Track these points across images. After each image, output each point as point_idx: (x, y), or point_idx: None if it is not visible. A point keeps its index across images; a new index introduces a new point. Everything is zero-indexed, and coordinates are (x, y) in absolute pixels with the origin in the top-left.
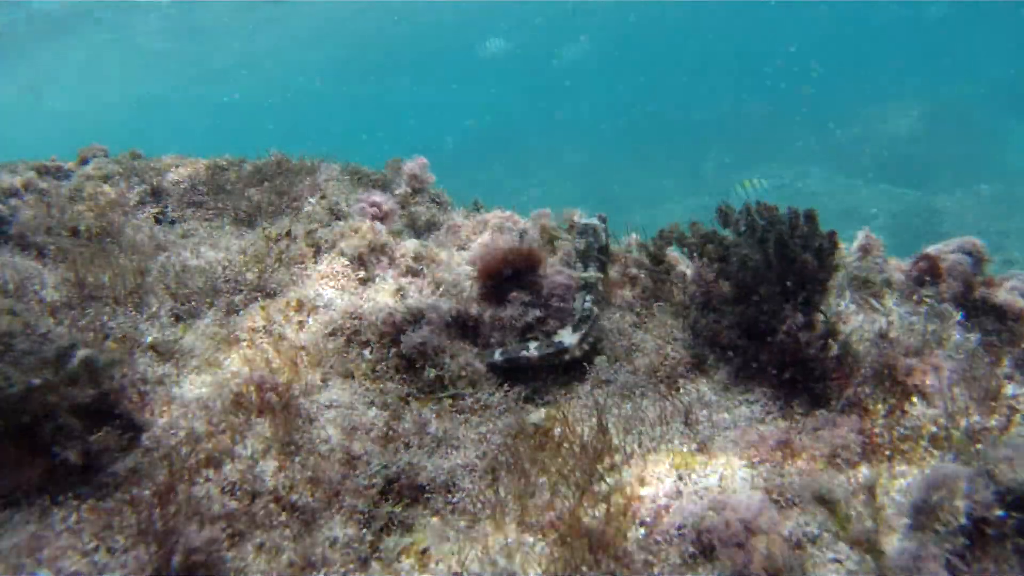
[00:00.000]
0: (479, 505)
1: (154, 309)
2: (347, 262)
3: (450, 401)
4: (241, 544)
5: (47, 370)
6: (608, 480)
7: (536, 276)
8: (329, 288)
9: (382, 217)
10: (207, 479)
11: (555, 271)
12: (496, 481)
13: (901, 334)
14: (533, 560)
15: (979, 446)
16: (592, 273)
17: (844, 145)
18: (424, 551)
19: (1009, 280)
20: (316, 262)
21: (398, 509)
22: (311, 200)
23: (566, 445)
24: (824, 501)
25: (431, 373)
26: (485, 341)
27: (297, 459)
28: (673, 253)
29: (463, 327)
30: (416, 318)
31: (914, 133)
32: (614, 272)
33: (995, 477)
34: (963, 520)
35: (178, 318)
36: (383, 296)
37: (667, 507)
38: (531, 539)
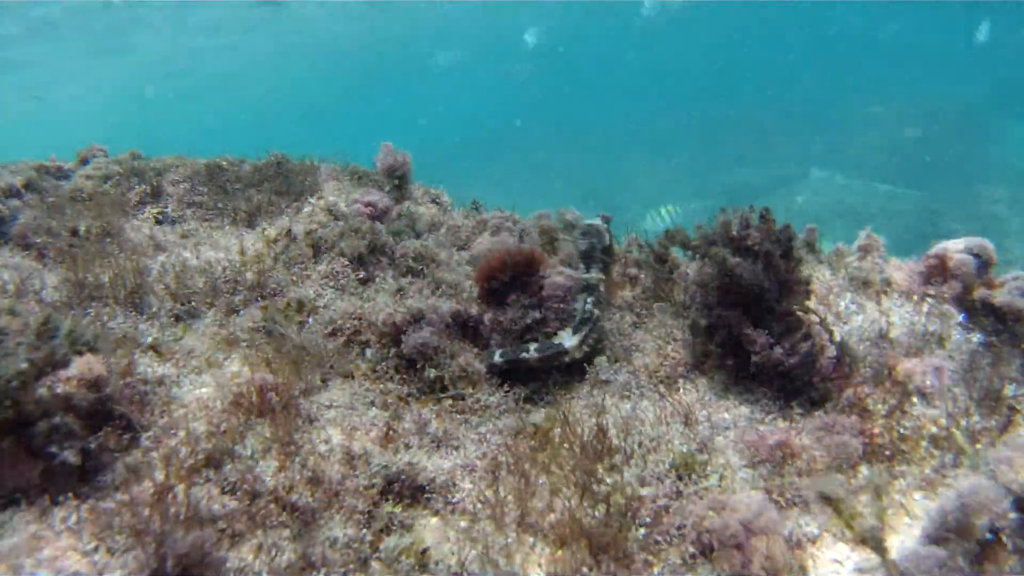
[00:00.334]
0: (479, 505)
1: (154, 309)
2: (347, 262)
3: (450, 401)
4: (241, 544)
5: (32, 351)
6: (608, 481)
7: (536, 277)
8: (329, 288)
9: (378, 216)
10: (207, 479)
11: (556, 272)
12: (496, 481)
13: (902, 334)
14: (534, 560)
15: (979, 446)
16: (594, 274)
17: (844, 145)
18: (424, 551)
19: (1009, 281)
20: (316, 262)
21: (398, 509)
22: (311, 200)
23: (566, 445)
24: (829, 500)
25: (431, 373)
26: (485, 342)
27: (297, 459)
28: (674, 254)
29: (463, 327)
30: (416, 318)
31: (914, 133)
32: (613, 272)
33: (998, 479)
34: (988, 534)
35: (178, 318)
36: (383, 296)
37: (667, 507)
38: (531, 539)
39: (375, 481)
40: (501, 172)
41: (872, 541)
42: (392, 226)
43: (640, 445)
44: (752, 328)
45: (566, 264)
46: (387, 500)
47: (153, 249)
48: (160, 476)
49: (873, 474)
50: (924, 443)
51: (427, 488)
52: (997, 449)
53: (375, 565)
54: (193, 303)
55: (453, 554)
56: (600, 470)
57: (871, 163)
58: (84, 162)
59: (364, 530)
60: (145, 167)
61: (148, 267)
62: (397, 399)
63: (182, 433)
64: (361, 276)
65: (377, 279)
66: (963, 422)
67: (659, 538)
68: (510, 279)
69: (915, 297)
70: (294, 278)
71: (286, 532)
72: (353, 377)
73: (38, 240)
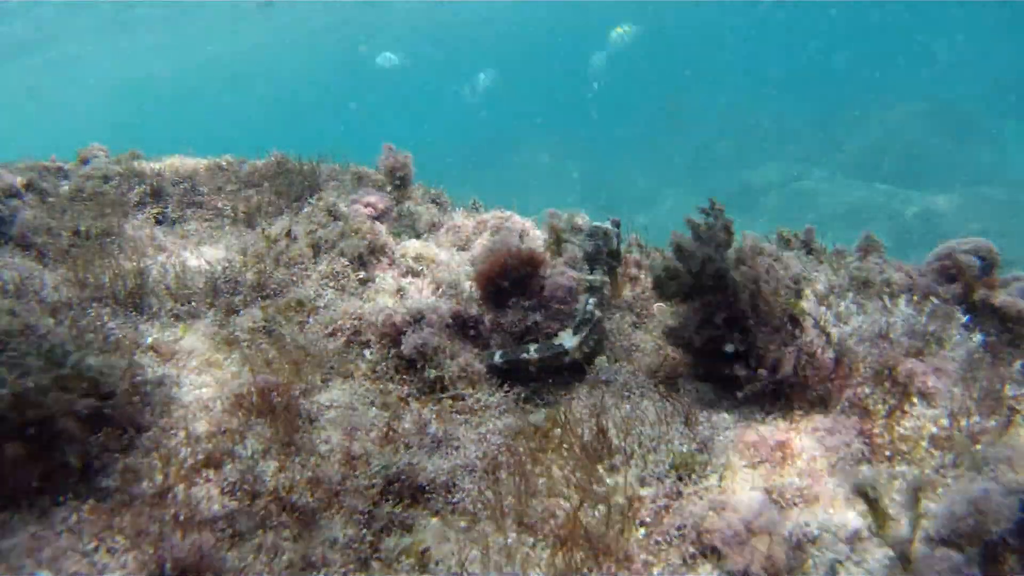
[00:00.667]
0: (479, 505)
1: (154, 309)
2: (347, 262)
3: (450, 401)
4: (241, 544)
5: (40, 373)
6: (608, 481)
7: (537, 278)
8: (329, 288)
9: (378, 216)
10: (207, 479)
11: (557, 272)
12: (496, 481)
13: (902, 335)
14: (534, 561)
15: (979, 446)
16: (598, 276)
17: (845, 145)
18: (424, 551)
19: (1014, 281)
20: (316, 262)
21: (398, 509)
22: (311, 200)
23: (566, 446)
24: (865, 496)
25: (431, 373)
26: (485, 342)
27: (297, 459)
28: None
29: (463, 327)
30: (416, 319)
31: (915, 133)
32: (619, 274)
33: (1000, 480)
34: (996, 537)
35: (178, 318)
36: (383, 297)
37: (667, 507)
38: (531, 540)
39: (375, 481)
40: (502, 171)
41: (898, 548)
42: (392, 226)
43: (640, 445)
44: (732, 346)
45: (570, 265)
46: (387, 500)
47: (153, 249)
48: (160, 477)
49: (916, 477)
50: (924, 443)
51: (427, 488)
52: (997, 449)
53: (375, 565)
54: (193, 303)
55: (453, 554)
56: (600, 470)
57: (871, 163)
58: (84, 162)
59: (364, 530)
60: (145, 167)
61: (148, 267)
62: (397, 399)
63: (182, 433)
64: (361, 276)
65: (377, 279)
66: (963, 422)
67: (659, 538)
68: (512, 280)
69: (915, 297)
70: (294, 278)
71: (286, 532)
72: (353, 377)
73: (38, 240)
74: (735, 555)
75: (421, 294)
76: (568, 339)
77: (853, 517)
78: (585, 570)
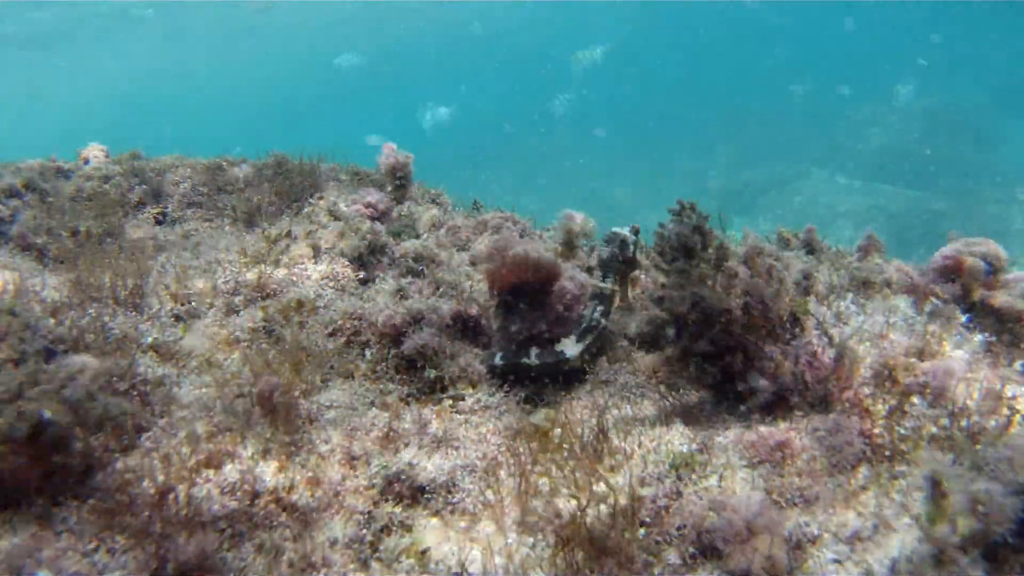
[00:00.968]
0: (479, 505)
1: (154, 309)
2: (347, 262)
3: (450, 402)
4: (241, 544)
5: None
6: (609, 481)
7: (550, 291)
8: (329, 289)
9: (379, 216)
10: (207, 479)
11: (567, 277)
12: (496, 482)
13: (902, 335)
14: (534, 561)
15: (979, 447)
16: (608, 284)
17: (844, 145)
18: (424, 551)
19: (1018, 282)
20: (316, 262)
21: (398, 509)
22: (311, 200)
23: (566, 446)
24: (938, 486)
25: (431, 374)
26: (485, 342)
27: (297, 459)
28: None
29: (463, 327)
30: (416, 319)
31: (914, 133)
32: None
33: (1000, 479)
34: (999, 538)
35: (178, 318)
36: (383, 297)
37: (667, 507)
38: (532, 540)
39: (375, 481)
40: (502, 170)
41: (939, 546)
42: (392, 226)
43: (640, 445)
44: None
45: (581, 270)
46: (387, 500)
47: (153, 249)
48: (160, 477)
49: (933, 469)
50: (924, 443)
51: (427, 488)
52: (997, 449)
53: (375, 565)
54: (193, 303)
55: (453, 554)
56: (600, 470)
57: (871, 163)
58: (85, 162)
59: (364, 530)
60: (145, 167)
61: (148, 267)
62: (397, 399)
63: (182, 434)
64: (361, 276)
65: (377, 279)
66: (963, 422)
67: (659, 538)
68: (525, 291)
69: (915, 297)
70: (294, 278)
71: (286, 532)
72: (353, 377)
73: (38, 240)
74: (735, 555)
75: (421, 294)
76: (571, 347)
77: (853, 517)
78: (587, 571)
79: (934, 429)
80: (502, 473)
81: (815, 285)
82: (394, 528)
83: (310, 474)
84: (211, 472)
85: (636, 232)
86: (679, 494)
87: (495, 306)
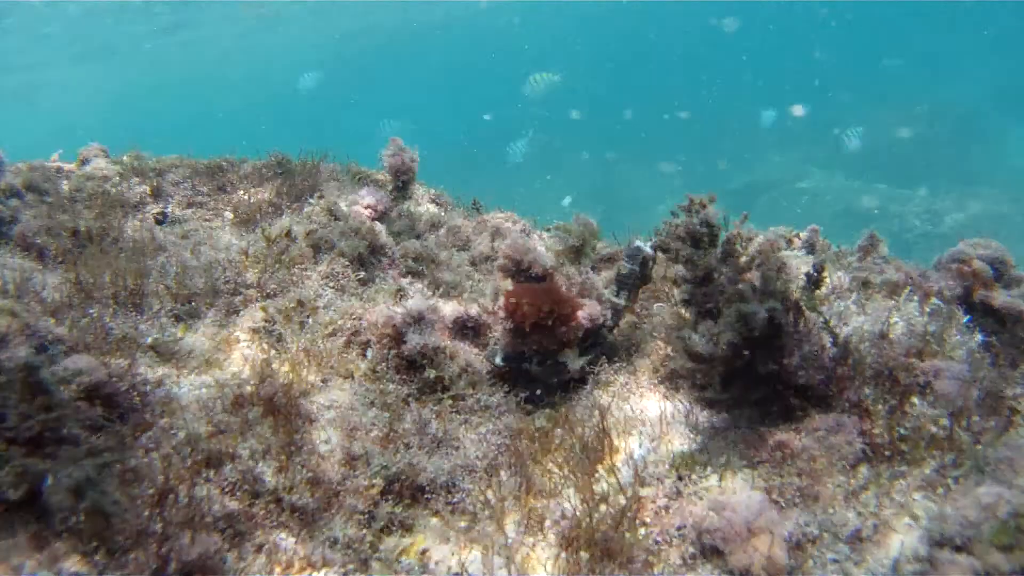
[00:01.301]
0: (479, 505)
1: (154, 309)
2: (347, 262)
3: (450, 402)
4: (241, 544)
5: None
6: (609, 481)
7: (567, 326)
8: (329, 289)
9: (379, 216)
10: (207, 479)
11: (584, 314)
12: (497, 481)
13: (902, 335)
14: (534, 561)
15: (979, 447)
16: (621, 301)
17: (844, 145)
18: (424, 551)
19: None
20: (316, 262)
21: (398, 509)
22: (311, 200)
23: (566, 446)
24: None
25: (431, 374)
26: (485, 342)
27: (297, 459)
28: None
29: (463, 327)
30: (416, 320)
31: (914, 134)
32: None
33: (1012, 484)
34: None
35: (178, 318)
36: (383, 297)
37: (667, 507)
38: (532, 540)
39: (375, 481)
40: (502, 169)
41: None
42: (392, 226)
43: (640, 445)
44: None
45: (592, 291)
46: (387, 500)
47: (153, 249)
48: (160, 477)
49: None
50: (924, 443)
51: (427, 488)
52: (997, 449)
53: (375, 565)
54: (193, 303)
55: (453, 554)
56: (601, 470)
57: (871, 163)
58: (84, 162)
59: (364, 530)
60: (145, 167)
61: (148, 267)
62: (397, 399)
63: (182, 434)
64: (361, 276)
65: (377, 279)
66: (963, 422)
67: (659, 538)
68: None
69: (916, 297)
70: (294, 278)
71: (286, 532)
72: (353, 377)
73: (38, 240)
74: (735, 555)
75: (421, 294)
76: (573, 360)
77: (853, 517)
78: (588, 571)
79: (934, 429)
80: (503, 473)
81: (824, 282)
82: (394, 528)
83: (310, 474)
84: (211, 472)
85: (656, 248)
86: (679, 494)
87: (511, 328)
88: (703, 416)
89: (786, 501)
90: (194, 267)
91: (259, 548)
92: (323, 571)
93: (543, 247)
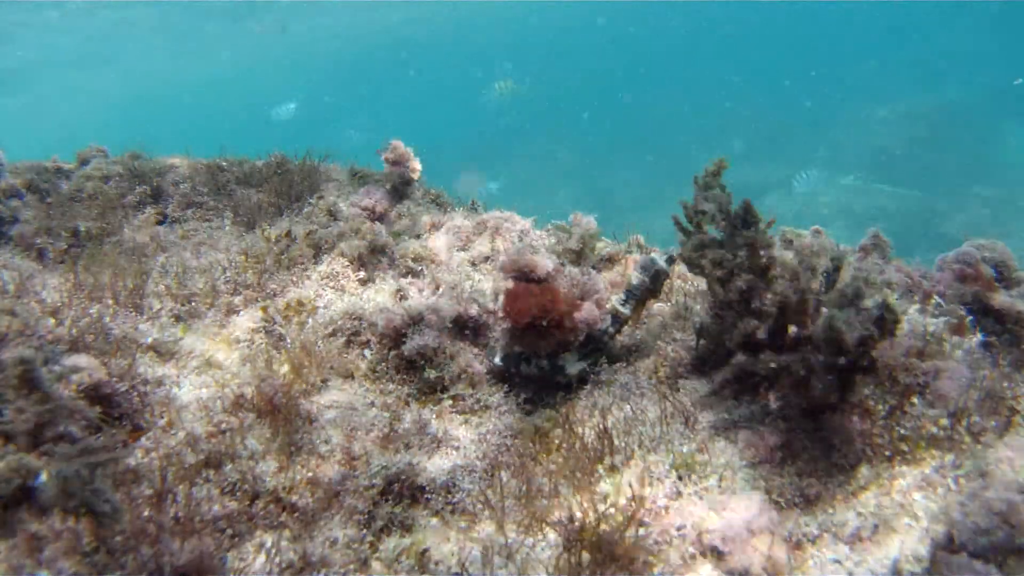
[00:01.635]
0: (479, 505)
1: (154, 310)
2: (347, 263)
3: (450, 402)
4: (241, 544)
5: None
6: (609, 481)
7: (568, 327)
8: (329, 289)
9: (378, 217)
10: (207, 480)
11: (582, 318)
12: (496, 481)
13: (901, 335)
14: (534, 561)
15: (979, 447)
16: (627, 311)
17: (845, 145)
18: (424, 551)
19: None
20: (316, 263)
21: (398, 509)
22: (311, 201)
23: (566, 446)
24: None
25: (431, 374)
26: (485, 342)
27: (297, 460)
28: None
29: (463, 328)
30: (416, 319)
31: (914, 134)
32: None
33: (1020, 487)
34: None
35: (178, 318)
36: (383, 297)
37: (667, 507)
38: (531, 540)
39: (375, 481)
40: (502, 168)
41: None
42: (392, 227)
43: (640, 445)
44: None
45: (594, 297)
46: (387, 500)
47: (153, 249)
48: (159, 478)
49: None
50: (924, 443)
51: (427, 488)
52: (997, 449)
53: (375, 565)
54: (193, 303)
55: (453, 554)
56: (601, 470)
57: (871, 163)
58: (84, 163)
59: (364, 530)
60: (145, 167)
61: (148, 267)
62: (397, 399)
63: (182, 434)
64: (361, 276)
65: (377, 280)
66: (963, 422)
67: (659, 538)
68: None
69: (916, 298)
70: (294, 278)
71: (286, 532)
72: (353, 377)
73: (38, 241)
74: (735, 555)
75: (421, 295)
76: (572, 363)
77: (853, 517)
78: (588, 572)
79: (934, 429)
80: (503, 473)
81: (842, 277)
82: (394, 528)
83: (310, 474)
84: (211, 472)
85: (671, 262)
86: (679, 494)
87: (512, 331)
88: (703, 416)
89: (786, 501)
90: (194, 267)
91: (259, 548)
92: (323, 571)
93: (544, 248)
